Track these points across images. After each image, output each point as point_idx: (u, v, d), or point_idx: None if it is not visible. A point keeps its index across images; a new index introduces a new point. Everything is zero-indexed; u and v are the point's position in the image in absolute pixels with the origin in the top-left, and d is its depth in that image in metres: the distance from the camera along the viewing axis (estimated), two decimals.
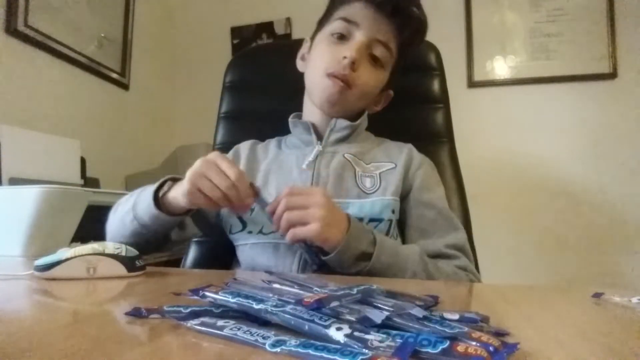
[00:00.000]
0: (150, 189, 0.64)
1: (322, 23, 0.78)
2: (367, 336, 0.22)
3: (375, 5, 0.71)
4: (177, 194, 0.61)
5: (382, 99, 0.83)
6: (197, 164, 0.57)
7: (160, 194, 0.64)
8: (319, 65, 0.74)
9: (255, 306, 0.26)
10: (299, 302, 0.26)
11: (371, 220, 0.66)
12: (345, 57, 0.69)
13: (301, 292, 0.31)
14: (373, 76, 0.74)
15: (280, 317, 0.25)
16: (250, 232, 0.70)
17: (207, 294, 0.29)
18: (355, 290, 0.29)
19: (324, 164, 0.72)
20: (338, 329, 0.22)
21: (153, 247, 0.70)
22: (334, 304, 0.26)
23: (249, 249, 0.69)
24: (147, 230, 0.65)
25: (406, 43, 0.76)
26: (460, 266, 0.66)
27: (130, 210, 0.66)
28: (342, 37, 0.72)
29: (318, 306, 0.25)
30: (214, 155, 0.58)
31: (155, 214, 0.62)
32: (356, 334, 0.22)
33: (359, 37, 0.71)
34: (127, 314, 0.29)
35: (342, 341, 0.21)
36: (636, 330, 0.31)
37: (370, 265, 0.57)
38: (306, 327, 0.23)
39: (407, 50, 0.78)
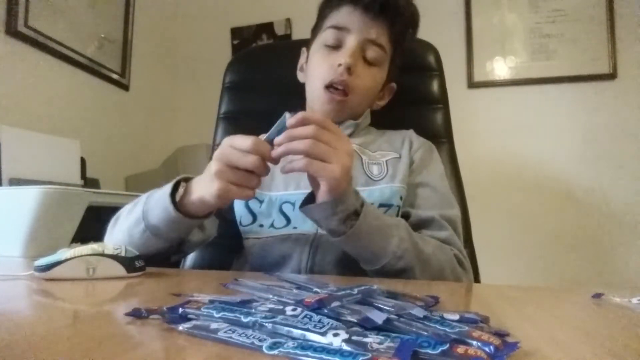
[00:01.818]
0: (163, 194, 0.58)
1: (315, 32, 0.80)
2: (365, 339, 0.22)
3: (363, 7, 0.72)
4: (204, 194, 0.54)
5: (386, 94, 0.84)
6: (217, 155, 0.53)
7: (177, 197, 0.59)
8: (317, 76, 0.75)
9: (244, 319, 0.25)
10: (299, 302, 0.26)
11: (380, 205, 0.67)
12: (340, 65, 0.71)
13: (301, 292, 0.31)
14: (370, 77, 0.75)
15: (272, 328, 0.24)
16: (261, 226, 0.70)
17: (188, 310, 0.28)
18: (356, 291, 0.29)
19: None
20: (335, 334, 0.22)
21: (164, 256, 0.64)
22: (335, 304, 0.26)
23: (261, 242, 0.69)
24: (161, 238, 0.60)
25: (399, 38, 0.77)
26: (447, 240, 0.65)
27: (139, 221, 0.60)
28: (335, 46, 0.74)
29: (319, 306, 0.25)
30: (225, 142, 0.53)
31: (175, 218, 0.57)
32: (354, 338, 0.22)
33: (350, 42, 0.72)
34: (127, 314, 0.29)
35: (341, 347, 0.21)
36: (636, 330, 0.31)
37: (357, 225, 0.53)
38: (303, 336, 0.23)
39: (402, 44, 0.79)
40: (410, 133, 0.80)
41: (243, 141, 0.51)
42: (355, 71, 0.72)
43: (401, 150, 0.76)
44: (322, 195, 0.53)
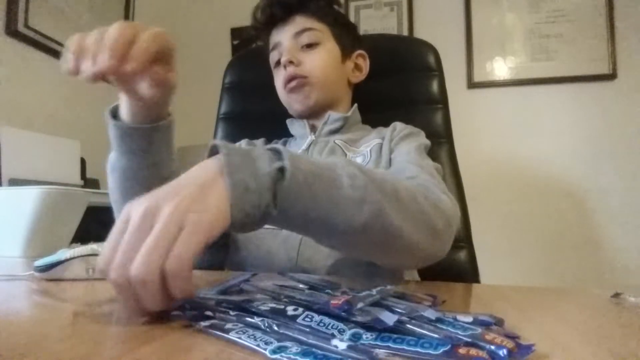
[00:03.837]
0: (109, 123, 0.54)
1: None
2: (370, 349, 0.22)
3: (277, 18, 0.79)
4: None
5: (360, 64, 0.85)
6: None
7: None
8: (279, 89, 0.82)
9: (257, 320, 0.26)
10: (326, 303, 0.26)
11: None
12: (284, 67, 0.76)
13: (314, 294, 0.31)
14: (316, 55, 0.78)
15: (279, 329, 0.25)
16: None
17: (206, 307, 0.30)
18: (374, 291, 0.29)
19: (317, 151, 0.75)
20: (341, 340, 0.22)
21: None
22: (360, 305, 0.26)
23: (249, 237, 0.69)
24: (127, 165, 0.55)
25: (324, 13, 0.80)
26: (415, 177, 0.56)
27: (113, 171, 0.57)
28: (279, 60, 0.78)
29: (348, 307, 0.25)
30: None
31: (116, 127, 0.53)
32: (359, 344, 0.22)
33: (282, 47, 0.78)
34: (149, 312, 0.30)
35: (344, 353, 0.21)
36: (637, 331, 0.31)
37: (288, 180, 0.35)
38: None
39: (335, 15, 0.82)
40: (396, 122, 0.78)
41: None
42: (297, 59, 0.76)
43: (385, 135, 0.74)
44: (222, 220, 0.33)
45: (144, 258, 0.28)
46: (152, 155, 0.56)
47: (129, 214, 0.31)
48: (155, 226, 0.30)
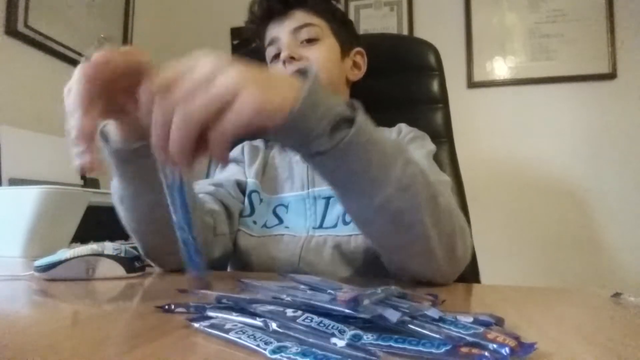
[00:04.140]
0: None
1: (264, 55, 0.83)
2: (369, 347, 0.22)
3: (275, 13, 0.77)
4: None
5: (358, 62, 0.83)
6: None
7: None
8: None
9: (258, 321, 0.27)
10: (333, 300, 0.26)
11: None
12: (284, 63, 0.72)
13: (315, 294, 0.31)
14: (316, 50, 0.76)
15: (280, 329, 0.25)
16: (255, 222, 0.70)
17: (209, 307, 0.30)
18: (379, 290, 0.29)
19: None
20: (340, 339, 0.22)
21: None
22: (366, 302, 0.26)
23: (252, 242, 0.69)
24: (133, 195, 0.50)
25: (323, 9, 0.78)
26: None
27: (119, 200, 0.51)
28: (277, 54, 0.76)
29: (355, 304, 0.25)
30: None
31: (113, 152, 0.46)
32: (358, 343, 0.22)
33: (282, 41, 0.75)
34: (157, 307, 0.32)
35: (344, 352, 0.21)
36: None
37: (354, 132, 0.36)
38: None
39: (334, 12, 0.80)
40: (401, 124, 0.78)
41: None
42: (297, 55, 0.73)
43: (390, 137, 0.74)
44: (278, 120, 0.34)
45: (201, 104, 0.30)
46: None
47: (198, 61, 0.32)
48: (219, 79, 0.31)
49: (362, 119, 0.38)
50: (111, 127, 0.46)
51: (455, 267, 0.50)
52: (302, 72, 0.37)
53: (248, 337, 0.24)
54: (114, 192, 0.52)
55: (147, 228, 0.53)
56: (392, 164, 0.40)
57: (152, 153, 0.44)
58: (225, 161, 0.33)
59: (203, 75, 0.31)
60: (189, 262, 0.33)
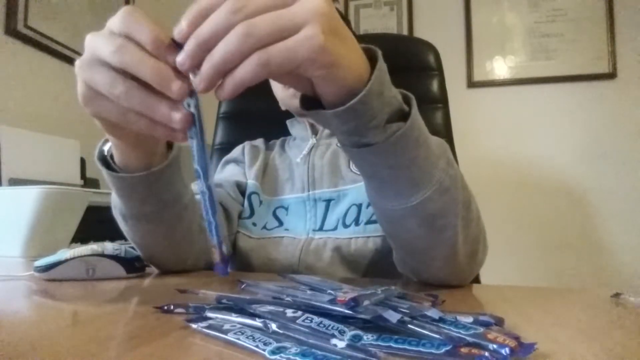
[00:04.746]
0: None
1: None
2: (370, 348, 0.22)
3: None
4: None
5: None
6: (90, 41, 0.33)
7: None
8: (275, 86, 0.75)
9: (258, 322, 0.26)
10: (332, 300, 0.26)
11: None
12: None
13: (315, 294, 0.31)
14: None
15: (279, 330, 0.25)
16: (254, 225, 0.70)
17: (207, 308, 0.30)
18: (379, 291, 0.29)
19: (319, 155, 0.73)
20: (340, 340, 0.22)
21: (181, 235, 0.52)
22: (365, 302, 0.26)
23: (251, 244, 0.69)
24: (137, 215, 0.47)
25: None
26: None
27: (117, 213, 0.50)
28: None
29: (354, 304, 0.25)
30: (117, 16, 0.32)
31: (114, 179, 0.42)
32: (359, 344, 0.22)
33: None
34: (155, 307, 0.32)
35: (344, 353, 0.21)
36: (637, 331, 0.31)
37: (408, 126, 0.34)
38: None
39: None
40: None
41: (140, 27, 0.31)
42: None
43: None
44: (335, 93, 0.31)
45: (268, 23, 0.26)
46: (170, 193, 0.46)
47: None
48: (297, 5, 0.27)
49: (416, 112, 0.35)
50: (116, 151, 0.41)
51: (473, 270, 0.49)
52: (365, 50, 0.33)
53: (247, 337, 0.24)
54: (116, 207, 0.49)
55: (158, 247, 0.52)
56: (436, 164, 0.38)
57: (165, 174, 0.42)
58: (229, 97, 0.27)
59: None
60: (208, 226, 0.30)
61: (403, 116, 0.35)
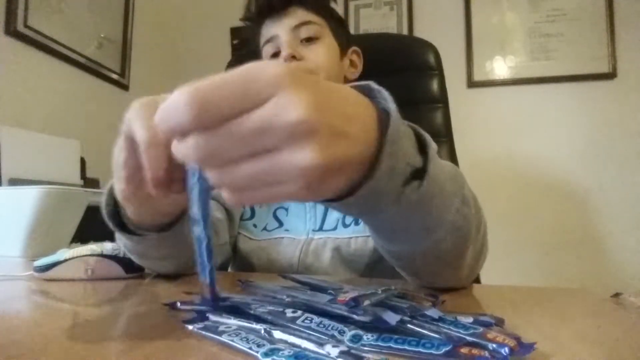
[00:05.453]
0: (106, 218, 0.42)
1: (259, 56, 0.80)
2: (363, 354, 0.21)
3: (266, 9, 0.75)
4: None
5: (355, 61, 0.83)
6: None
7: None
8: None
9: (255, 325, 0.26)
10: (333, 300, 0.26)
11: None
12: (284, 61, 0.69)
13: (315, 294, 0.31)
14: (319, 51, 0.74)
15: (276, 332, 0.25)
16: (255, 226, 0.70)
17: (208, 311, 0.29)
18: (380, 291, 0.29)
19: None
20: (334, 345, 0.22)
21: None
22: (366, 302, 0.26)
23: (252, 246, 0.69)
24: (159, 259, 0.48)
25: (322, 6, 0.77)
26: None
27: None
28: (276, 53, 0.74)
29: (355, 304, 0.25)
30: (131, 111, 0.33)
31: (128, 240, 0.43)
32: (353, 351, 0.22)
33: (282, 39, 0.73)
34: (164, 304, 0.32)
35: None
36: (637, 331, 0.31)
37: (424, 189, 0.30)
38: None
39: (331, 11, 0.79)
40: None
41: (140, 123, 0.31)
42: (299, 54, 0.71)
43: None
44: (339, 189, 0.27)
45: (251, 171, 0.22)
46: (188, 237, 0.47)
47: (257, 81, 0.23)
48: (281, 127, 0.21)
49: (433, 167, 0.31)
50: (131, 213, 0.39)
51: (473, 276, 0.49)
52: (365, 89, 0.29)
53: (241, 339, 0.24)
54: (126, 247, 0.47)
55: (165, 270, 0.52)
56: (449, 206, 0.35)
57: (185, 226, 0.41)
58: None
59: (264, 118, 0.22)
60: (200, 266, 0.30)
61: (417, 172, 0.30)
